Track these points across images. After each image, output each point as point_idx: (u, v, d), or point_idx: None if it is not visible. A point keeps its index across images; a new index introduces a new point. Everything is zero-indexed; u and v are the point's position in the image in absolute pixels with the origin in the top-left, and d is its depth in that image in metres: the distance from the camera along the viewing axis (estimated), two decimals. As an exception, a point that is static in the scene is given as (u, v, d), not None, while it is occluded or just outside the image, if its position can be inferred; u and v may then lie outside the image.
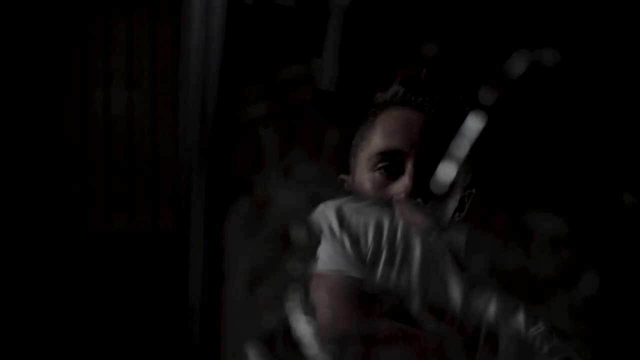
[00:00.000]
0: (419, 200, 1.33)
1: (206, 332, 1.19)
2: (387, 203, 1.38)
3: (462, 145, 1.28)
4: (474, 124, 1.27)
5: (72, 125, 2.13)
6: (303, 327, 1.21)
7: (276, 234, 1.28)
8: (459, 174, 1.32)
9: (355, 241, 1.28)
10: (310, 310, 1.23)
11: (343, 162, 1.43)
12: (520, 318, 1.23)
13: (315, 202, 1.32)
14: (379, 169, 1.35)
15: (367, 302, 1.25)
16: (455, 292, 1.25)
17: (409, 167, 1.33)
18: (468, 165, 1.37)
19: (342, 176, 1.43)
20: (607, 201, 1.73)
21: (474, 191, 1.41)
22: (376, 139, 1.36)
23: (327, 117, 1.56)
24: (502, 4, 1.74)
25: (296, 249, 1.28)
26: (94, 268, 2.03)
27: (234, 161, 1.27)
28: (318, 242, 1.30)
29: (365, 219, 1.30)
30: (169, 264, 1.93)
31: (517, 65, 1.28)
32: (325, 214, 1.31)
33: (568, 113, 1.72)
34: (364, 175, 1.37)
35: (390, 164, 1.33)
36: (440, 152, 1.30)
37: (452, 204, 1.39)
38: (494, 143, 1.56)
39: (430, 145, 1.33)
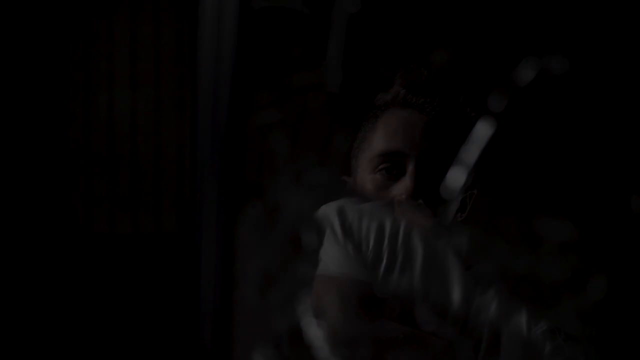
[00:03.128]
0: (421, 201, 1.33)
1: (218, 336, 1.19)
2: (389, 204, 1.36)
3: (471, 150, 1.27)
4: (482, 130, 1.27)
5: (76, 126, 2.13)
6: (314, 331, 1.21)
7: (287, 238, 1.29)
8: None
9: (357, 243, 1.27)
10: (320, 314, 1.23)
11: (348, 164, 1.43)
12: (523, 317, 1.22)
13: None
14: (380, 170, 1.35)
15: (373, 305, 1.25)
16: (458, 293, 1.24)
17: (410, 168, 1.33)
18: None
19: (344, 178, 1.44)
20: (614, 206, 1.73)
21: (475, 192, 1.41)
22: (377, 140, 1.36)
23: (334, 120, 1.56)
24: (507, 8, 1.74)
25: (307, 252, 1.29)
26: (98, 270, 2.03)
27: (244, 165, 1.28)
28: (320, 245, 1.30)
29: (367, 220, 1.29)
30: (174, 266, 1.93)
31: (526, 71, 1.28)
32: (327, 215, 1.30)
33: (576, 118, 1.72)
34: (366, 176, 1.37)
35: (391, 165, 1.34)
36: (441, 153, 1.31)
37: (454, 205, 1.37)
38: (502, 147, 1.56)
39: (431, 147, 1.33)
